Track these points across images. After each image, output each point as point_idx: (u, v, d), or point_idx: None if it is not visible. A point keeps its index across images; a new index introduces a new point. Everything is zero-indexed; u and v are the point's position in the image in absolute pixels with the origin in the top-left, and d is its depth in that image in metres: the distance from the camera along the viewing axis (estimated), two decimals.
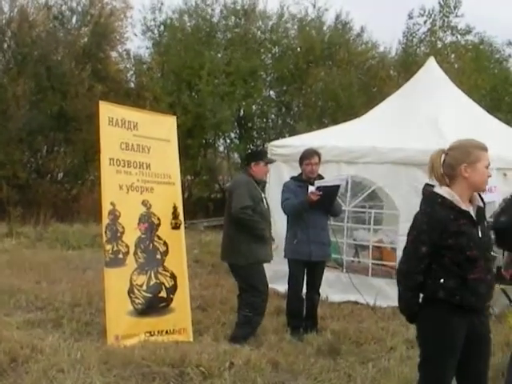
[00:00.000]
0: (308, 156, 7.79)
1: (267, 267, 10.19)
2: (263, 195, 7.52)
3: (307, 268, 7.79)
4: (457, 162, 3.99)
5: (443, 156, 4.06)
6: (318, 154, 7.82)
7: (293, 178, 8.03)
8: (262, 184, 7.76)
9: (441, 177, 4.05)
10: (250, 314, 7.30)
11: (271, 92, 25.61)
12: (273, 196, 9.67)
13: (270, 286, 9.87)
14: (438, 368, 4.05)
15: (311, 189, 7.50)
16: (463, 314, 3.99)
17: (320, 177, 7.85)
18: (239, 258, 7.31)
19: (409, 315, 4.20)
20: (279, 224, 8.78)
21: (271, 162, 7.92)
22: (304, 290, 7.90)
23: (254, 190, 7.35)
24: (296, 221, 7.75)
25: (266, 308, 7.48)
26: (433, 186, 4.13)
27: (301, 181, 7.82)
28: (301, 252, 7.67)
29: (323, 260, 7.89)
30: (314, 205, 7.47)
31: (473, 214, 4.05)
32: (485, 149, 4.07)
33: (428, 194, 4.07)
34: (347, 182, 9.65)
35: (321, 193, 7.42)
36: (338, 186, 7.71)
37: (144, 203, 7.39)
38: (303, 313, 7.86)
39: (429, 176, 4.14)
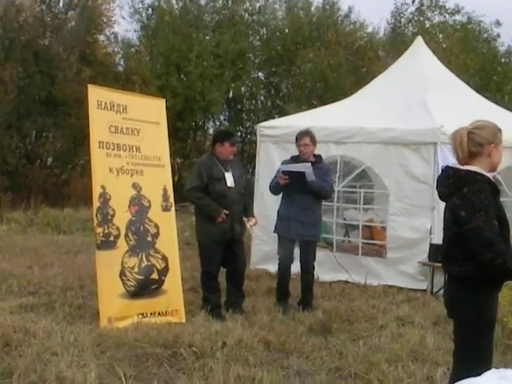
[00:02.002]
0: (298, 138, 7.90)
1: (257, 248, 10.27)
2: (227, 174, 7.58)
3: (299, 248, 7.89)
4: (486, 141, 4.05)
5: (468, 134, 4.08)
6: (310, 135, 7.86)
7: (292, 158, 8.11)
8: (227, 163, 7.71)
9: (467, 154, 4.06)
10: (205, 293, 7.68)
11: (260, 74, 25.61)
12: (262, 176, 9.73)
13: (260, 267, 10.00)
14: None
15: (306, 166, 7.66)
16: None
17: (317, 157, 7.99)
18: (196, 235, 7.81)
19: None
20: (269, 203, 8.95)
21: (236, 142, 7.96)
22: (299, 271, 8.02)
23: (212, 168, 7.52)
24: (283, 198, 7.96)
25: (218, 287, 7.71)
26: (449, 166, 4.20)
27: (296, 161, 7.91)
28: (282, 228, 7.90)
29: (307, 240, 7.87)
30: (286, 187, 7.69)
31: None
32: (501, 131, 4.19)
33: (466, 173, 4.04)
34: (337, 163, 9.71)
35: (287, 177, 7.60)
36: (302, 173, 7.66)
37: (134, 186, 7.39)
38: (288, 287, 8.01)
39: (455, 153, 4.13)
